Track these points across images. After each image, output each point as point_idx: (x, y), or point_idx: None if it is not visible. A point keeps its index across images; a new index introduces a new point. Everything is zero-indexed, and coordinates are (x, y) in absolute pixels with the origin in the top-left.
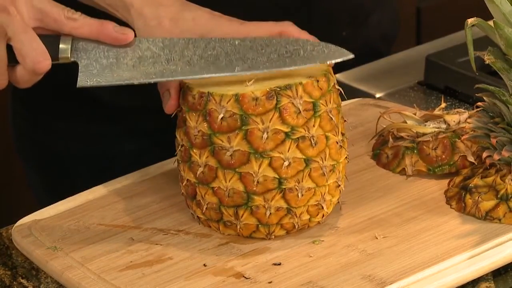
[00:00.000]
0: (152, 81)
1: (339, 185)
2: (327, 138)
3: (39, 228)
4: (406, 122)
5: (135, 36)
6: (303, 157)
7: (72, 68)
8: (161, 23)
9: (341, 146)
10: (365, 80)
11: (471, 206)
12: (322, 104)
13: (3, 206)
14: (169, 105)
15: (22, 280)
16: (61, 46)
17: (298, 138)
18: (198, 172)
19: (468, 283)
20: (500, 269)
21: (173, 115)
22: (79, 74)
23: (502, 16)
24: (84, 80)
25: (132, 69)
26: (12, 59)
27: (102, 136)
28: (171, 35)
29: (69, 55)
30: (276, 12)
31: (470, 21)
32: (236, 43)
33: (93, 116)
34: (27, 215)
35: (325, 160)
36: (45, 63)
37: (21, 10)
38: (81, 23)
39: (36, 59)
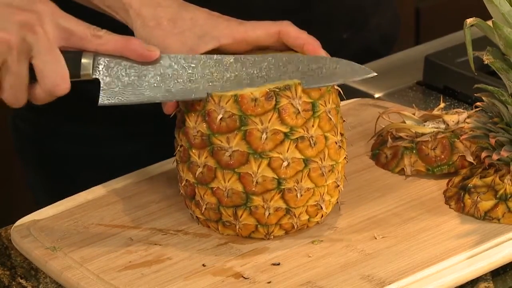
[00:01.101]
0: (174, 99)
1: (338, 185)
2: (326, 138)
3: (38, 228)
4: (405, 122)
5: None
6: (302, 157)
7: None
8: (159, 23)
9: (340, 146)
10: (364, 80)
11: (470, 206)
12: (321, 105)
13: (2, 206)
14: (168, 106)
15: (21, 280)
16: (83, 61)
17: (297, 138)
18: (197, 173)
19: (467, 283)
20: (499, 269)
21: (172, 115)
22: (100, 92)
23: (501, 16)
24: (105, 98)
25: (154, 88)
26: (31, 77)
27: (101, 137)
28: (170, 35)
29: (91, 72)
30: (276, 14)
31: (469, 21)
32: (256, 59)
33: (93, 117)
34: (26, 215)
35: (324, 160)
36: (63, 86)
37: (47, 30)
38: (106, 40)
39: (55, 82)
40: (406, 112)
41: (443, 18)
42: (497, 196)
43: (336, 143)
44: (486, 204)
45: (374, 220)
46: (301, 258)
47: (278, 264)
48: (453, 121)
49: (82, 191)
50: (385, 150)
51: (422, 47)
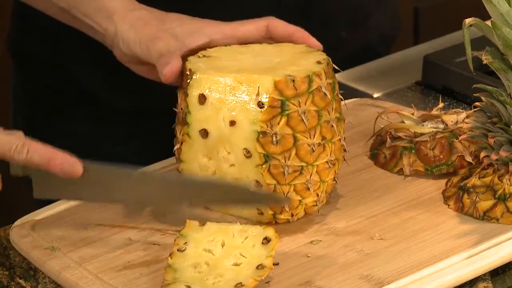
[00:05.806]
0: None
1: (330, 166)
2: (319, 115)
3: (37, 228)
4: (404, 122)
5: None
6: (291, 132)
7: (72, 70)
8: (148, 22)
9: (332, 125)
10: (363, 80)
11: (469, 206)
12: (316, 79)
13: (1, 206)
14: (167, 70)
15: (20, 280)
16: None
17: (287, 113)
18: None
19: (466, 283)
20: (498, 269)
21: (173, 117)
22: (33, 186)
23: (500, 16)
24: (38, 193)
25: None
26: None
27: (101, 136)
28: (161, 31)
29: (20, 172)
30: (275, 10)
31: (468, 21)
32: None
33: (92, 117)
34: (25, 215)
35: (314, 137)
36: None
37: None
38: (30, 158)
39: None
40: (405, 112)
41: (442, 18)
42: (496, 196)
43: (328, 122)
44: (485, 204)
45: (372, 220)
46: (300, 258)
47: (277, 264)
48: (452, 121)
49: None
50: (384, 150)
51: (421, 47)
